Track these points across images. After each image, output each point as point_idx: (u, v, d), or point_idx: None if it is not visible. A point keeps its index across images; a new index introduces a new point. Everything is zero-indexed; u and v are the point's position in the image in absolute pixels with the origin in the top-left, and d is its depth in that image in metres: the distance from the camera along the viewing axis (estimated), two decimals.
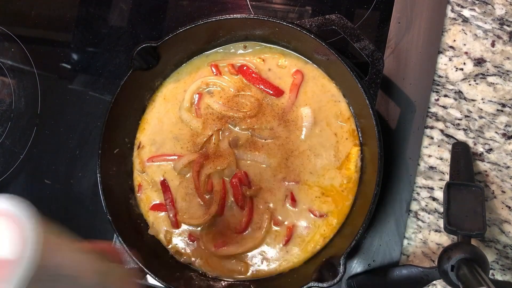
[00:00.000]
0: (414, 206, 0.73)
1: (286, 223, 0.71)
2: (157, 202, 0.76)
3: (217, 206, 0.73)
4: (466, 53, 0.73)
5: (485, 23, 0.73)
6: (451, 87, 0.73)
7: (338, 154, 0.71)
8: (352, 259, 0.73)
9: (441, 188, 0.72)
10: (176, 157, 0.76)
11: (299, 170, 0.72)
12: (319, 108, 0.73)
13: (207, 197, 0.74)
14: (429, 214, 0.72)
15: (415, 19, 0.75)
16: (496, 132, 0.71)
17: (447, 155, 0.72)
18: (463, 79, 0.73)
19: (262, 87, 0.75)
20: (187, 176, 0.75)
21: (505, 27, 0.72)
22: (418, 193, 0.73)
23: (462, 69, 0.73)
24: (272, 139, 0.74)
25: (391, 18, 0.76)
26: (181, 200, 0.75)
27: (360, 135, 0.71)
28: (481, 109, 0.72)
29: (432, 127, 0.73)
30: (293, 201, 0.71)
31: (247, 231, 0.73)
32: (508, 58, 0.72)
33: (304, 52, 0.74)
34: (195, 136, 0.76)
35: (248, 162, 0.74)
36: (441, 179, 0.72)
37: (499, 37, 0.72)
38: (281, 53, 0.76)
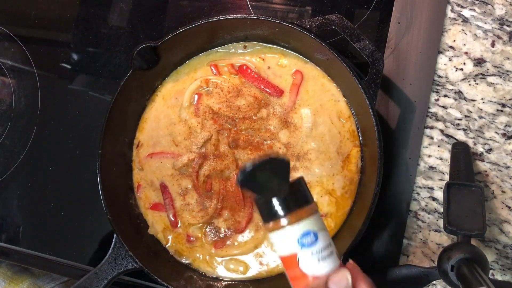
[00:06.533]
0: (414, 206, 0.72)
1: None
2: (156, 201, 0.76)
3: (216, 206, 0.73)
4: (466, 53, 0.73)
5: (485, 23, 0.73)
6: (451, 87, 0.73)
7: (340, 154, 0.71)
8: (352, 259, 0.73)
9: (441, 188, 0.72)
10: (174, 155, 0.76)
11: (300, 170, 0.72)
12: (320, 107, 0.73)
13: (206, 197, 0.74)
14: (429, 214, 0.72)
15: (415, 19, 0.75)
16: (496, 132, 0.71)
17: (447, 155, 0.72)
18: (463, 79, 0.73)
19: (262, 86, 0.75)
20: (186, 175, 0.75)
21: (505, 27, 0.72)
22: (418, 193, 0.73)
23: (462, 69, 0.73)
24: (272, 140, 0.73)
25: (391, 18, 0.76)
26: (180, 199, 0.75)
27: (360, 135, 0.71)
28: (481, 109, 0.72)
29: (432, 127, 0.73)
30: None
31: (247, 231, 0.73)
32: (508, 58, 0.72)
33: (304, 52, 0.74)
34: (194, 135, 0.76)
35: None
36: (441, 179, 0.72)
37: (499, 37, 0.72)
38: (281, 53, 0.75)
